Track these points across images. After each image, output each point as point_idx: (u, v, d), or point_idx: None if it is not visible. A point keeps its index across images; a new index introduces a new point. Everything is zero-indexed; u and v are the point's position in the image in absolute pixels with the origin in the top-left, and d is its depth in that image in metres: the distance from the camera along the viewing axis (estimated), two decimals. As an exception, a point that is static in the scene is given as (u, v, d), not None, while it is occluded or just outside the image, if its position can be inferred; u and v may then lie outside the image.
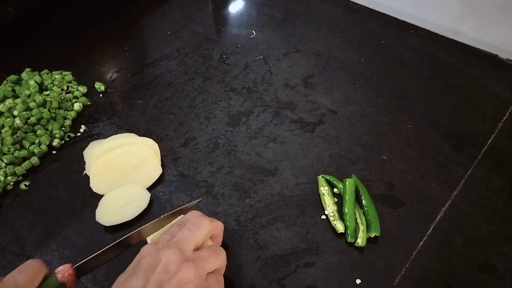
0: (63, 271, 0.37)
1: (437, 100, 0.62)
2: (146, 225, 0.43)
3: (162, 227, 0.44)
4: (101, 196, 0.53)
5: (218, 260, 0.40)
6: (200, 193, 0.54)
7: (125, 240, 0.41)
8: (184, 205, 0.46)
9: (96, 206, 0.53)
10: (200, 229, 0.40)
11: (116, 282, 0.37)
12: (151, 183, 0.55)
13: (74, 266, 0.38)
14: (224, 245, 0.49)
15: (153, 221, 0.43)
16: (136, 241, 0.42)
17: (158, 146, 0.58)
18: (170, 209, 0.52)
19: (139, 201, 0.52)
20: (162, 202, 0.53)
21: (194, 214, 0.42)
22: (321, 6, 0.78)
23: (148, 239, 0.44)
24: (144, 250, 0.38)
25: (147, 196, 0.53)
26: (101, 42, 0.75)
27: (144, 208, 0.52)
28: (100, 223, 0.51)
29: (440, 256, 0.47)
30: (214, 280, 0.39)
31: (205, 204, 0.53)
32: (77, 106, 0.64)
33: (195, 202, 0.47)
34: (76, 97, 0.65)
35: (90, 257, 0.39)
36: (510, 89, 0.62)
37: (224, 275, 0.41)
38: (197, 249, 0.40)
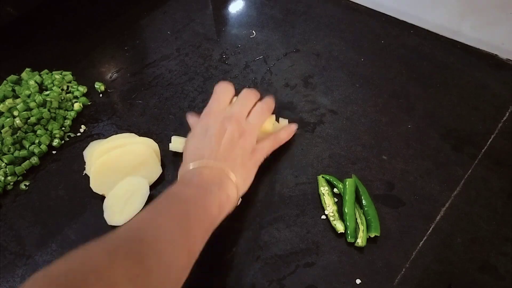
0: None
1: (437, 100, 0.62)
2: None
3: None
4: (101, 196, 0.53)
5: (263, 116, 0.54)
6: (200, 193, 0.54)
7: None
8: None
9: (96, 206, 0.53)
10: (249, 102, 0.53)
11: (188, 144, 0.50)
12: (151, 183, 0.55)
13: None
14: (224, 244, 0.49)
15: None
16: None
17: (158, 146, 0.58)
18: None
19: (140, 190, 0.52)
20: (162, 202, 0.53)
21: (244, 92, 0.55)
22: (321, 6, 0.78)
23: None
24: (208, 120, 0.50)
25: (145, 184, 0.53)
26: (101, 42, 0.75)
27: (147, 196, 0.52)
28: (99, 223, 0.51)
29: (440, 256, 0.47)
30: (259, 148, 0.52)
31: (205, 204, 0.53)
32: (77, 106, 0.64)
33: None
34: (76, 97, 0.65)
35: None
36: (510, 89, 0.62)
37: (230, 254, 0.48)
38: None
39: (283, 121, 0.60)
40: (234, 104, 0.53)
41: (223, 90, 0.54)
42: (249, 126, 0.51)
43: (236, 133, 0.48)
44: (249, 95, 0.54)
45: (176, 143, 0.57)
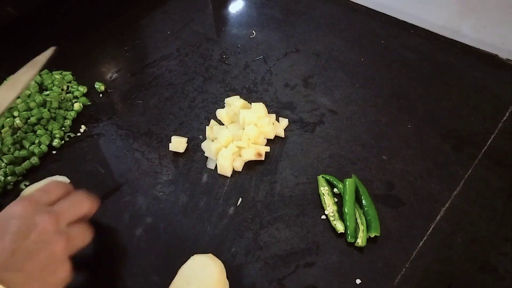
0: None
1: (437, 100, 0.62)
2: None
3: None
4: (100, 196, 0.53)
5: (86, 236, 0.42)
6: (200, 193, 0.54)
7: None
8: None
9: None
10: (81, 208, 0.42)
11: None
12: None
13: None
14: (223, 244, 0.49)
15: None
16: None
17: (158, 146, 0.58)
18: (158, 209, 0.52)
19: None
20: (162, 202, 0.53)
21: (76, 193, 0.43)
22: (321, 6, 0.78)
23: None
24: (17, 209, 0.37)
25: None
26: (101, 42, 0.75)
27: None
28: (99, 223, 0.51)
29: (440, 256, 0.47)
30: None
31: (205, 203, 0.53)
32: (77, 106, 0.64)
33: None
34: (76, 97, 0.65)
35: None
36: (510, 89, 0.62)
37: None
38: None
39: (283, 121, 0.60)
40: (62, 200, 0.41)
41: (55, 187, 0.42)
42: (73, 232, 0.39)
43: (49, 233, 0.36)
44: (82, 198, 0.43)
45: (176, 143, 0.57)
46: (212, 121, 0.60)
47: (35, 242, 0.35)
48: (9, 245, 0.34)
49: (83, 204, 0.42)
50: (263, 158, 0.55)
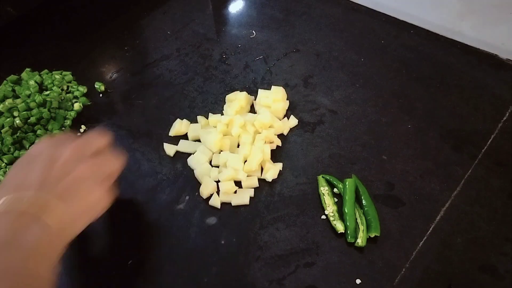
0: None
1: (437, 100, 0.62)
2: None
3: None
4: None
5: (115, 164, 0.42)
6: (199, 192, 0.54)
7: None
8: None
9: (96, 206, 0.53)
10: (100, 140, 0.43)
11: (10, 175, 0.38)
12: None
13: None
14: (224, 244, 0.49)
15: None
16: None
17: (158, 146, 0.58)
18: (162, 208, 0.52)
19: None
20: (162, 201, 0.53)
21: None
22: (321, 6, 0.78)
23: None
24: (39, 146, 0.40)
25: None
26: (101, 42, 0.75)
27: None
28: (98, 221, 0.51)
29: (440, 256, 0.47)
30: (107, 183, 0.42)
31: (205, 202, 0.53)
32: (77, 106, 0.64)
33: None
34: (76, 97, 0.65)
35: None
36: (510, 89, 0.62)
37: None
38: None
39: (293, 120, 0.60)
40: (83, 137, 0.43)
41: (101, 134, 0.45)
42: (99, 159, 0.41)
43: (70, 164, 0.39)
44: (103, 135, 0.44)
45: (171, 148, 0.57)
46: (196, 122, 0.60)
47: (59, 171, 0.38)
48: (38, 176, 0.36)
49: (103, 138, 0.44)
50: (274, 148, 0.56)
